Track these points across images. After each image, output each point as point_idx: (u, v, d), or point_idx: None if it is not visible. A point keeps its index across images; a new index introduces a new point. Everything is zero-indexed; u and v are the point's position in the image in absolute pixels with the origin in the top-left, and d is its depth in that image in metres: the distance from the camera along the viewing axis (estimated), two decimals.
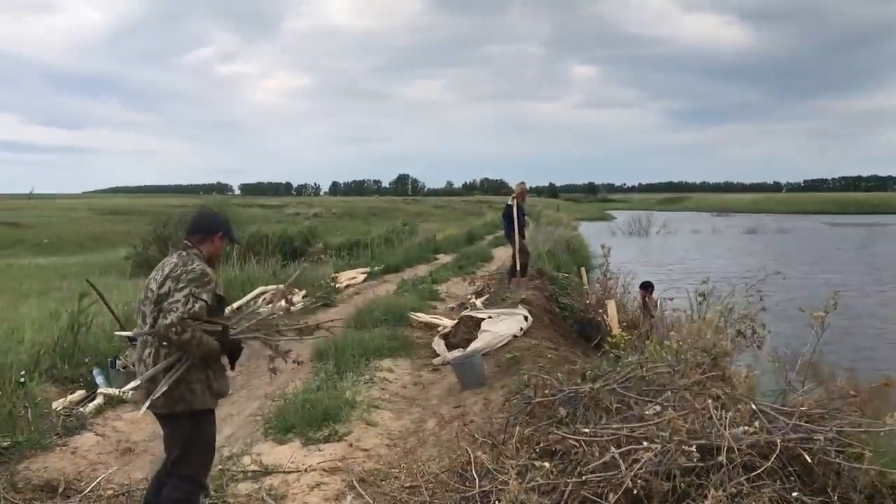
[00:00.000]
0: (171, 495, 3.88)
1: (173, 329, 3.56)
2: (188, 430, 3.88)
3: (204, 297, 3.69)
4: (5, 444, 5.31)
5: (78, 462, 5.47)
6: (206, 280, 3.75)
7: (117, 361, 7.04)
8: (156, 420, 6.64)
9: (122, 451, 5.90)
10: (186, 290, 3.66)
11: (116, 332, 6.66)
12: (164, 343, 3.66)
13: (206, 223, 4.09)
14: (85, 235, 37.76)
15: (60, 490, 4.84)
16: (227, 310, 10.66)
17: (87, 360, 7.39)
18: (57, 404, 6.39)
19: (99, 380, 6.98)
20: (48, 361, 7.23)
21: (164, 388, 3.66)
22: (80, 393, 6.76)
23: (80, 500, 4.61)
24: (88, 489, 4.84)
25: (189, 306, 3.62)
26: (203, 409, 3.88)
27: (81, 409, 6.38)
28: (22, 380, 6.36)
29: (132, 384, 4.10)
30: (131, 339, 7.49)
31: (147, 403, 3.74)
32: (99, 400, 6.61)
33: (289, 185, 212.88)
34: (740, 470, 3.43)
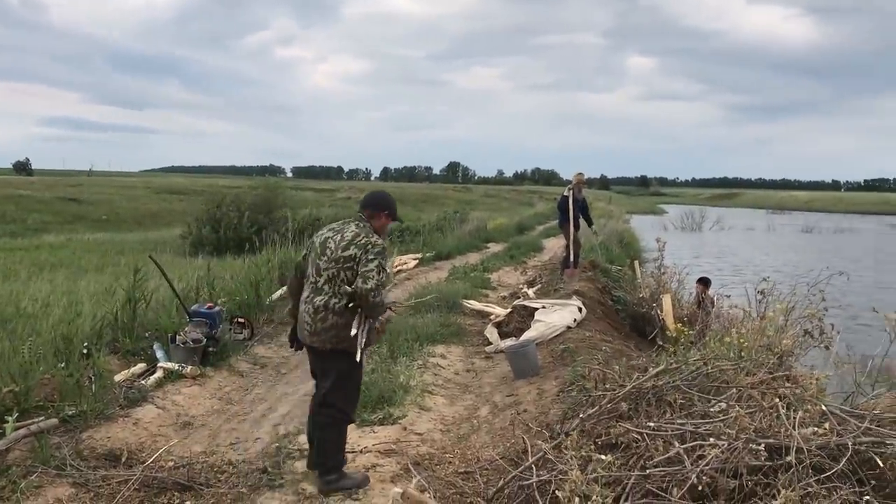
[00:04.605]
0: (323, 420, 4.59)
1: (373, 293, 4.27)
2: (344, 366, 4.51)
3: (387, 269, 4.53)
4: (71, 412, 5.45)
5: (139, 433, 5.59)
6: (386, 255, 4.51)
7: (177, 337, 7.17)
8: (213, 395, 6.82)
9: (182, 424, 6.02)
10: (377, 262, 4.35)
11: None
12: (360, 301, 4.31)
13: (378, 201, 4.75)
14: (142, 213, 38.67)
15: (123, 459, 4.96)
16: (283, 290, 10.78)
17: (147, 335, 7.54)
18: (119, 376, 6.53)
19: (159, 354, 7.11)
20: (109, 335, 7.39)
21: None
22: (140, 366, 6.89)
23: (143, 471, 4.70)
24: (150, 460, 4.94)
25: (381, 276, 4.37)
26: (356, 354, 4.46)
27: (143, 382, 6.51)
28: (86, 351, 6.52)
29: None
30: (190, 314, 7.67)
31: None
32: (159, 374, 6.73)
33: (340, 169, 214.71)
34: (810, 471, 3.34)
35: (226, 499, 4.52)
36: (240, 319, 8.64)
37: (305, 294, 4.59)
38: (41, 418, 5.18)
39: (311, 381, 7.16)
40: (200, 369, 7.09)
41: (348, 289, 4.35)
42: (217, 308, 7.98)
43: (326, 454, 4.58)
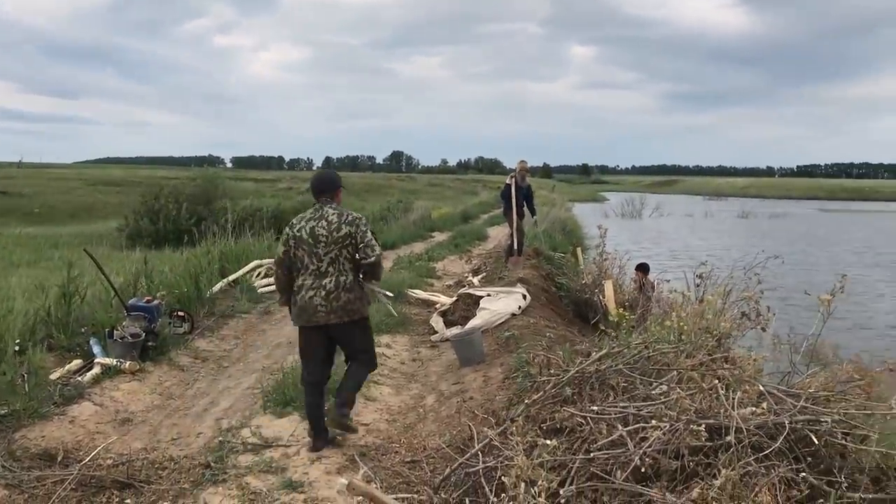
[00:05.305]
0: (358, 369, 5.28)
1: (381, 256, 5.05)
2: (365, 330, 5.27)
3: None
4: (3, 412, 5.27)
5: (76, 431, 5.44)
6: None
7: (115, 332, 6.99)
8: (153, 390, 6.68)
9: (121, 420, 5.88)
10: (369, 233, 5.04)
11: None
12: (371, 267, 5.04)
13: (331, 183, 5.23)
14: (77, 205, 37.53)
15: (59, 459, 4.82)
16: (224, 282, 10.61)
17: (83, 330, 7.34)
18: (54, 374, 6.34)
19: (96, 349, 6.93)
20: (43, 331, 7.17)
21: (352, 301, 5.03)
22: (77, 362, 6.70)
23: (80, 470, 4.57)
24: (88, 458, 4.80)
25: (377, 243, 5.09)
26: (368, 316, 5.26)
27: (79, 379, 6.33)
28: (18, 348, 6.31)
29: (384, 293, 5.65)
30: (127, 308, 7.48)
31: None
32: (96, 370, 6.56)
33: (281, 158, 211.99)
34: (749, 450, 3.42)
35: (167, 495, 4.43)
36: (180, 313, 8.47)
37: (309, 282, 4.99)
38: None
39: (253, 374, 7.13)
40: (139, 364, 6.93)
41: (361, 258, 4.98)
42: (156, 301, 7.82)
43: (348, 389, 5.18)
